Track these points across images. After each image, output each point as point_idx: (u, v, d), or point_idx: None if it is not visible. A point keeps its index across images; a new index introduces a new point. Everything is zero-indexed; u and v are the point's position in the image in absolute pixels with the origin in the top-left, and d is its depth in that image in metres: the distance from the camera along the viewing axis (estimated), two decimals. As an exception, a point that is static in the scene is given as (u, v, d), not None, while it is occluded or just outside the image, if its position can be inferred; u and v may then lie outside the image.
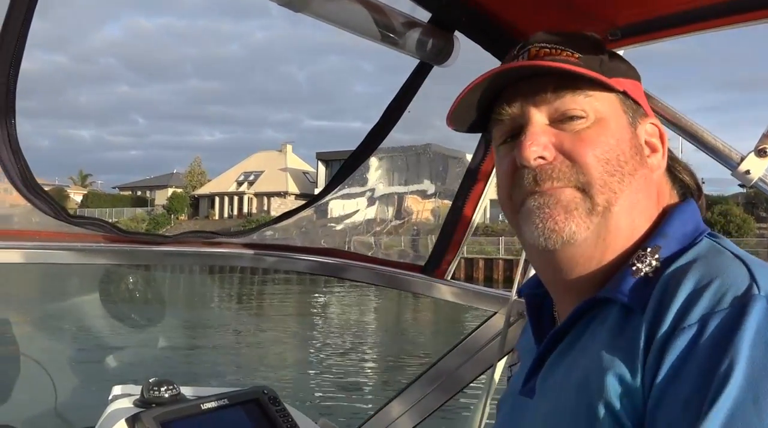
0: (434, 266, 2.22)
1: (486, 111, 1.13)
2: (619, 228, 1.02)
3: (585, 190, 1.01)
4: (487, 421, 2.15)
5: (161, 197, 79.60)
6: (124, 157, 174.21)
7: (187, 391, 1.98)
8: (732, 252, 0.95)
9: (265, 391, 1.98)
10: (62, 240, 1.82)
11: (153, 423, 1.72)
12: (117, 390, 1.98)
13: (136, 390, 1.94)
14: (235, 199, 71.41)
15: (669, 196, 1.11)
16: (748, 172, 1.56)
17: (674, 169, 1.14)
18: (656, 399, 0.84)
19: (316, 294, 32.15)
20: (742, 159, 1.57)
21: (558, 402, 0.99)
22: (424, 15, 1.63)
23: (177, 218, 68.77)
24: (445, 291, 2.23)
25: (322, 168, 63.81)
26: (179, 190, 74.28)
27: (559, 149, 1.02)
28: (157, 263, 2.10)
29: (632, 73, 1.13)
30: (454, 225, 2.16)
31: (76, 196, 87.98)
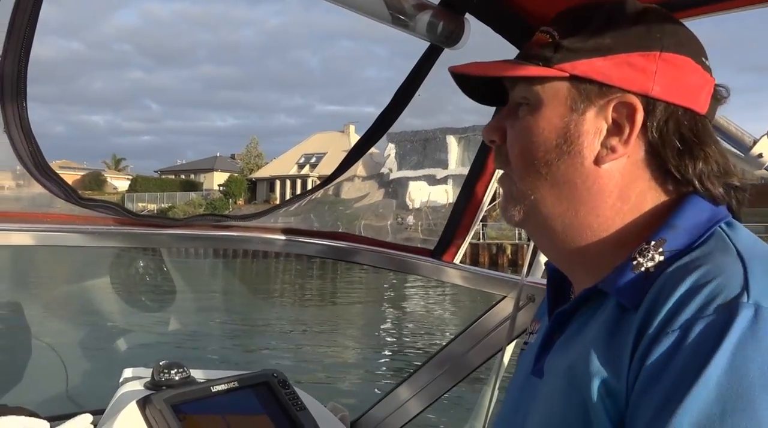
0: (443, 250, 2.22)
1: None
2: (552, 216, 1.05)
3: (512, 177, 1.08)
4: (497, 405, 2.15)
5: (208, 181, 78.75)
6: (137, 142, 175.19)
7: (197, 374, 1.99)
8: (737, 250, 0.91)
9: (275, 374, 1.99)
10: (73, 222, 1.82)
11: (164, 405, 1.73)
12: (128, 372, 1.99)
13: (147, 373, 1.95)
14: (298, 182, 67.78)
15: (666, 185, 1.02)
16: (760, 155, 1.55)
17: (666, 158, 1.02)
18: (634, 403, 0.84)
19: (326, 279, 32.23)
20: (755, 142, 1.57)
21: (553, 389, 0.99)
22: (434, -3, 1.62)
23: (235, 202, 67.26)
24: (453, 275, 2.23)
25: (391, 148, 61.14)
26: (236, 174, 72.46)
27: (504, 134, 1.10)
28: (168, 246, 2.11)
29: (625, 46, 1.01)
30: (463, 209, 2.15)
31: (114, 180, 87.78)
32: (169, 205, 67.10)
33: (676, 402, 0.78)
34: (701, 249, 0.93)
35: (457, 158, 56.30)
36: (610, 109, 1.00)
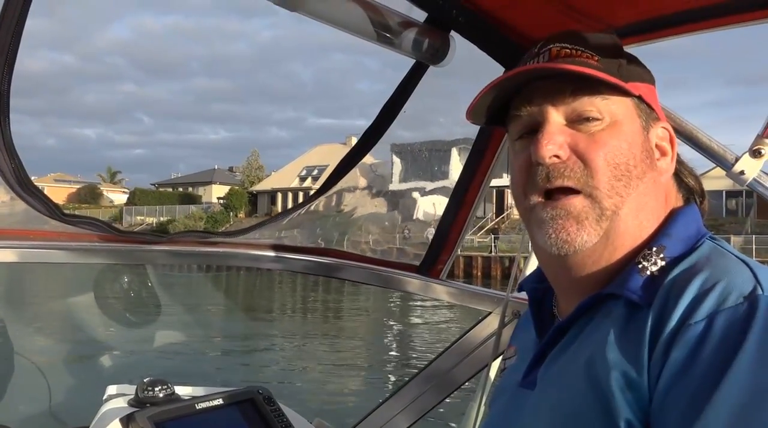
0: (429, 266, 2.22)
1: (503, 106, 1.16)
2: (627, 230, 1.05)
3: (593, 195, 1.04)
4: (483, 420, 2.15)
5: (207, 194, 77.69)
6: (128, 155, 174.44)
7: (181, 391, 1.98)
8: (734, 255, 0.99)
9: (260, 391, 1.98)
10: (57, 239, 1.81)
11: (147, 422, 1.71)
12: (111, 389, 1.98)
13: (131, 389, 1.93)
14: (300, 194, 65.88)
15: (675, 198, 1.14)
16: (742, 172, 1.57)
17: (680, 172, 1.17)
18: (662, 394, 0.86)
19: (312, 294, 32.13)
20: (737, 159, 1.58)
21: (565, 390, 1.00)
22: (420, 15, 1.63)
23: (236, 215, 65.86)
24: (440, 291, 2.23)
25: (397, 160, 60.01)
26: (236, 187, 70.89)
27: (573, 149, 1.05)
28: (153, 262, 2.10)
29: (647, 77, 1.15)
30: (449, 224, 2.16)
31: (110, 193, 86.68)
32: (168, 218, 65.83)
33: (710, 391, 0.81)
34: (697, 255, 1.00)
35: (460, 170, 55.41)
36: (657, 132, 1.11)
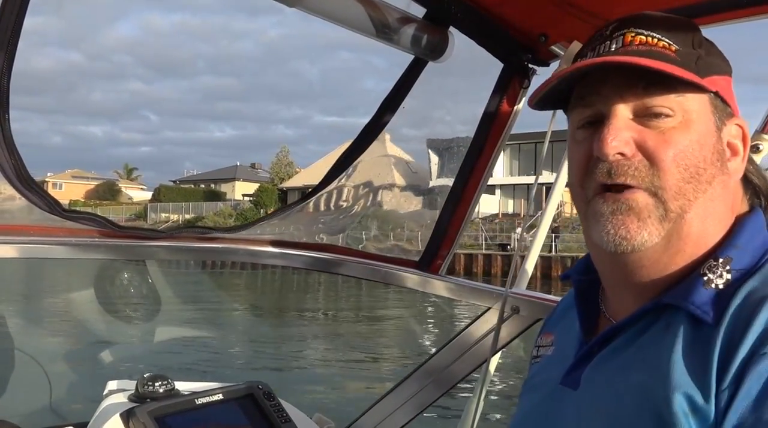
0: (428, 261, 2.23)
1: (568, 89, 1.08)
2: (690, 235, 0.99)
3: (658, 194, 0.97)
4: (482, 415, 2.15)
5: (230, 191, 76.54)
6: (134, 153, 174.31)
7: (181, 386, 1.98)
8: None
9: (260, 386, 1.98)
10: (57, 235, 1.81)
11: (147, 417, 1.72)
12: (112, 385, 1.98)
13: (131, 385, 1.94)
14: (332, 191, 66.21)
15: (741, 202, 1.07)
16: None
17: (748, 171, 1.09)
18: (735, 425, 0.83)
19: (311, 290, 32.13)
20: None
21: (617, 400, 0.96)
22: (418, 11, 1.63)
23: (266, 212, 64.60)
24: (439, 287, 2.24)
25: (434, 157, 55.29)
26: (266, 184, 68.83)
27: (640, 146, 0.98)
28: (153, 258, 2.10)
29: (725, 68, 1.06)
30: (448, 220, 2.16)
31: (129, 189, 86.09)
32: (194, 215, 63.75)
33: None
34: (766, 270, 0.94)
35: (504, 166, 54.24)
36: (731, 129, 1.03)
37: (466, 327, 2.21)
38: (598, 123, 1.01)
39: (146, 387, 1.88)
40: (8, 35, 1.34)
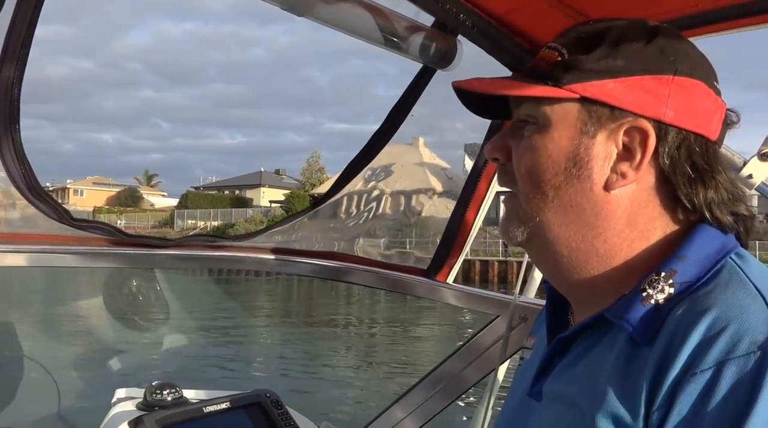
0: (437, 269, 2.22)
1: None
2: (558, 240, 1.01)
3: (519, 197, 1.04)
4: (490, 424, 2.15)
5: (256, 197, 75.97)
6: (145, 160, 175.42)
7: (189, 394, 1.98)
8: (753, 285, 0.89)
9: (268, 394, 1.98)
10: (66, 243, 1.82)
11: (155, 426, 1.72)
12: (120, 393, 1.98)
13: (139, 393, 1.94)
14: (365, 197, 63.38)
15: (674, 211, 1.00)
16: (750, 176, 1.56)
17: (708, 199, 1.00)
18: None
19: (322, 299, 32.13)
20: (745, 163, 1.58)
21: (560, 421, 0.96)
22: (427, 19, 1.64)
23: (304, 224, 63.49)
24: (447, 295, 2.24)
25: (469, 162, 57.17)
26: (297, 190, 66.34)
27: (509, 152, 1.05)
28: (161, 267, 2.11)
29: (634, 68, 0.98)
30: (456, 228, 2.16)
31: (150, 196, 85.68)
32: (223, 222, 62.16)
33: None
34: (714, 281, 0.90)
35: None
36: (622, 133, 0.97)
37: (475, 335, 2.21)
38: None
39: (154, 395, 1.88)
40: (19, 47, 1.35)
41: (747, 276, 0.90)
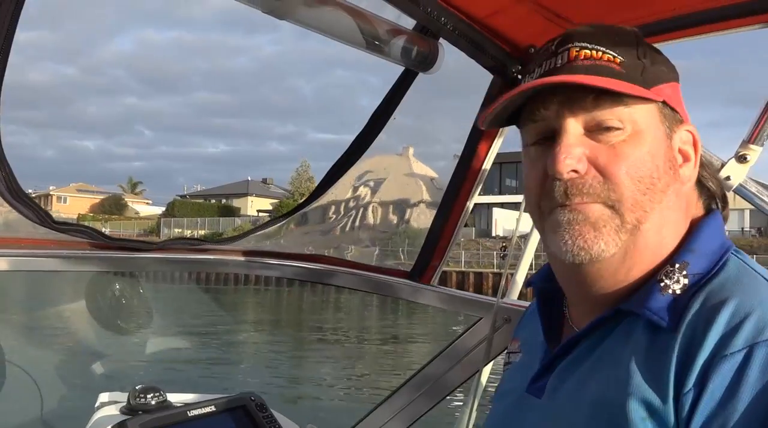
0: (420, 272, 2.23)
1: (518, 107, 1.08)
2: (648, 245, 1.00)
3: (614, 207, 0.98)
4: (475, 424, 2.15)
5: (243, 206, 75.50)
6: (128, 167, 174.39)
7: (173, 398, 1.98)
8: (763, 277, 0.95)
9: (252, 398, 1.98)
10: (48, 247, 1.81)
11: (139, 430, 1.71)
12: (104, 397, 1.98)
13: (123, 397, 1.93)
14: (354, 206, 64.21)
15: (696, 206, 1.08)
16: (728, 178, 1.58)
17: (701, 175, 1.10)
18: (699, 426, 0.83)
19: (304, 301, 32.06)
20: (723, 165, 1.59)
21: (579, 409, 0.97)
22: (408, 22, 1.64)
23: (287, 228, 63.32)
24: (431, 297, 2.24)
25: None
26: (287, 199, 64.44)
27: (592, 162, 0.98)
28: (144, 270, 2.10)
29: (671, 75, 1.06)
30: (439, 231, 2.16)
31: (135, 204, 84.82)
32: (211, 231, 61.47)
33: (764, 423, 0.80)
34: (724, 274, 0.95)
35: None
36: (681, 135, 1.04)
37: (458, 337, 2.21)
38: (550, 139, 1.02)
39: (138, 399, 1.87)
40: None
41: (755, 270, 0.96)
